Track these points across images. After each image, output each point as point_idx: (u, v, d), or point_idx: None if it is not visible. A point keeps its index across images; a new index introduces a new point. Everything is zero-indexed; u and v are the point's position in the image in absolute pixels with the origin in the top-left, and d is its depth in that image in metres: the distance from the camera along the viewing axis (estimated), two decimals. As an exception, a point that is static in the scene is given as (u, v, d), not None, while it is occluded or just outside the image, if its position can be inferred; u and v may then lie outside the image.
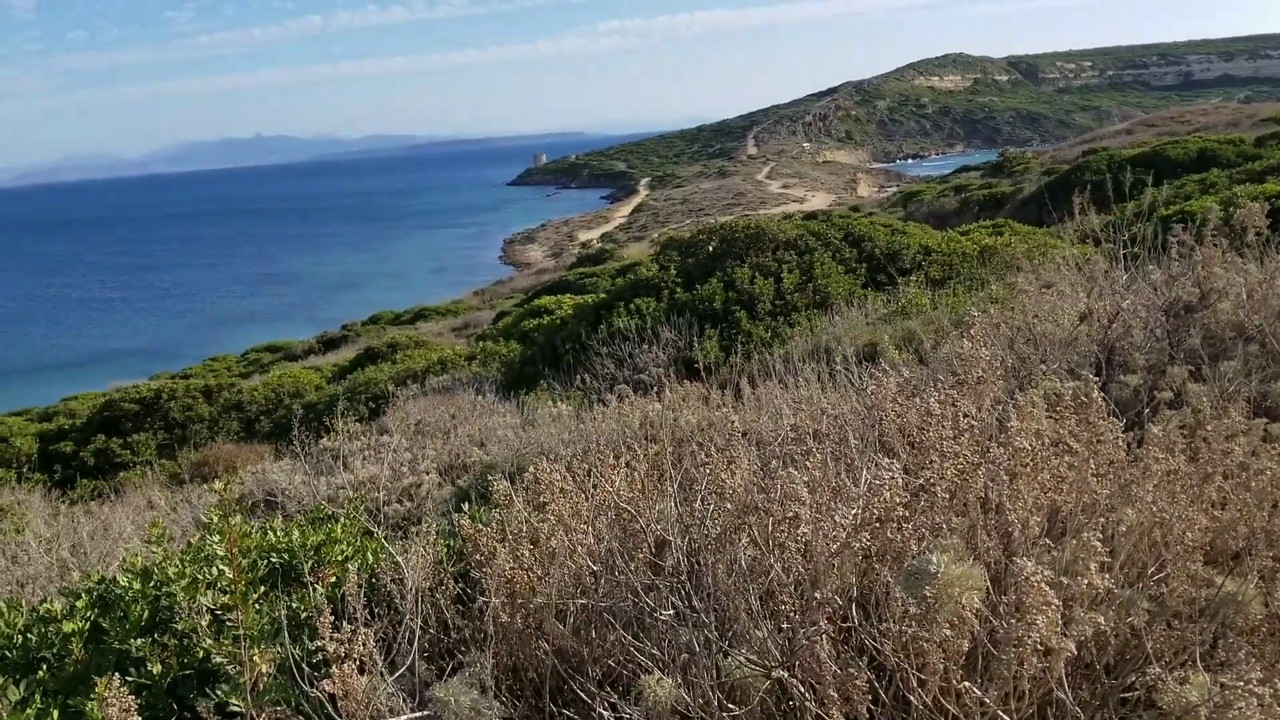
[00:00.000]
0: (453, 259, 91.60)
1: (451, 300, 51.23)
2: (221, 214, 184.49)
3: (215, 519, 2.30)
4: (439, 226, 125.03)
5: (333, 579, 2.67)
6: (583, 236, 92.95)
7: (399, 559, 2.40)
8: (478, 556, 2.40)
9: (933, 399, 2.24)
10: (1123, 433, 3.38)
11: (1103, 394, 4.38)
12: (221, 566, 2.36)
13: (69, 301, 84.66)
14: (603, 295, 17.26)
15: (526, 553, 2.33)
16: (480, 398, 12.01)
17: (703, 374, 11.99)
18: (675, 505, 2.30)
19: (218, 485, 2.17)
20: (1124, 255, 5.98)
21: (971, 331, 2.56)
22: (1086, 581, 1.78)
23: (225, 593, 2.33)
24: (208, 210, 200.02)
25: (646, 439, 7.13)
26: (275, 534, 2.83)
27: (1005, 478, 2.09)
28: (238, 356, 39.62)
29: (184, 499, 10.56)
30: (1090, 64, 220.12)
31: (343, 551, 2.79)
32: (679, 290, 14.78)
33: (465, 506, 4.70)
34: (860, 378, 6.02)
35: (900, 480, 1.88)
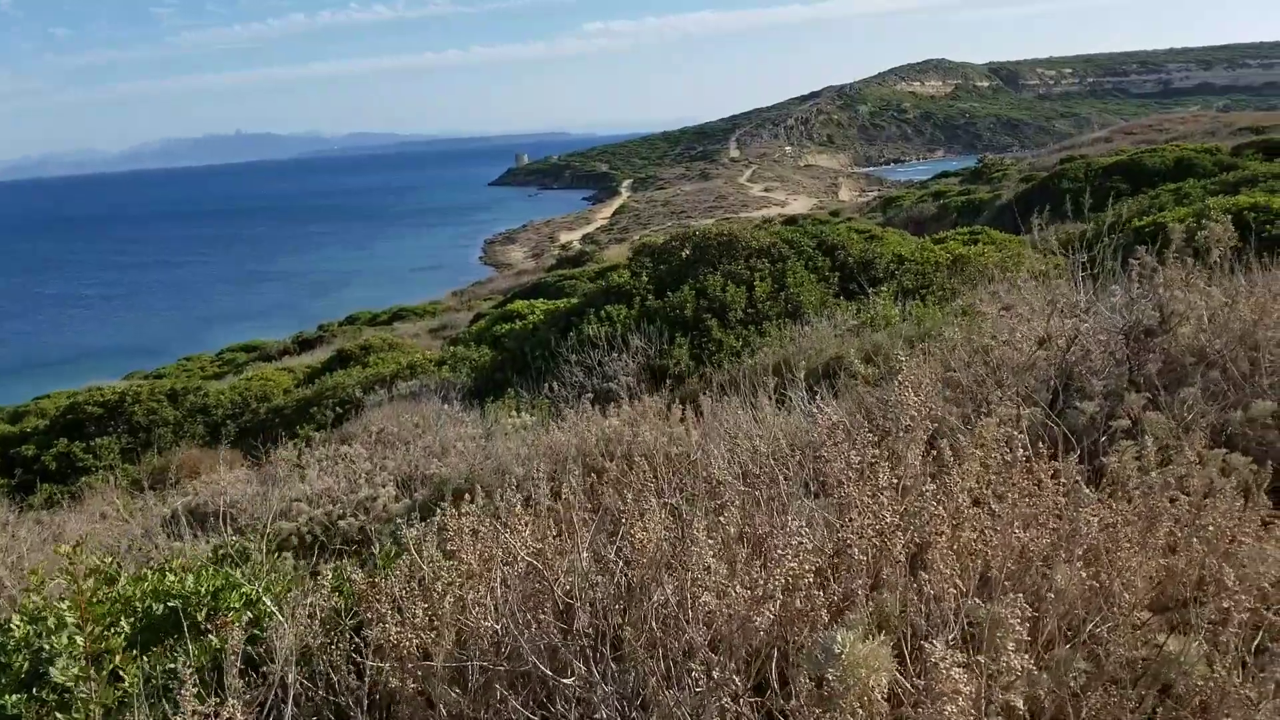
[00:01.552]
0: (433, 259, 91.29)
1: (430, 301, 50.99)
2: (203, 212, 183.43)
3: (71, 580, 2.14)
4: (420, 226, 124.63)
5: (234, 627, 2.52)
6: (564, 238, 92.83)
7: (280, 617, 2.25)
8: (368, 615, 2.25)
9: (852, 452, 2.11)
10: (1077, 463, 3.26)
11: (1058, 421, 4.26)
12: (74, 634, 2.20)
13: (46, 299, 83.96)
14: (574, 301, 17.11)
15: (420, 611, 2.19)
16: (446, 406, 11.82)
17: (671, 384, 11.86)
18: (581, 561, 2.16)
19: (63, 549, 2.01)
20: (1088, 274, 5.87)
21: (901, 377, 2.43)
22: (1004, 661, 1.65)
23: (78, 661, 2.17)
24: (189, 208, 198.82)
25: (604, 455, 7.00)
26: (171, 578, 2.67)
27: (932, 537, 1.96)
28: (212, 356, 39.32)
29: (140, 507, 10.35)
30: (1070, 71, 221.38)
31: (242, 597, 2.64)
32: (650, 297, 14.64)
33: (416, 524, 4.53)
34: (821, 396, 5.90)
35: (810, 545, 1.74)
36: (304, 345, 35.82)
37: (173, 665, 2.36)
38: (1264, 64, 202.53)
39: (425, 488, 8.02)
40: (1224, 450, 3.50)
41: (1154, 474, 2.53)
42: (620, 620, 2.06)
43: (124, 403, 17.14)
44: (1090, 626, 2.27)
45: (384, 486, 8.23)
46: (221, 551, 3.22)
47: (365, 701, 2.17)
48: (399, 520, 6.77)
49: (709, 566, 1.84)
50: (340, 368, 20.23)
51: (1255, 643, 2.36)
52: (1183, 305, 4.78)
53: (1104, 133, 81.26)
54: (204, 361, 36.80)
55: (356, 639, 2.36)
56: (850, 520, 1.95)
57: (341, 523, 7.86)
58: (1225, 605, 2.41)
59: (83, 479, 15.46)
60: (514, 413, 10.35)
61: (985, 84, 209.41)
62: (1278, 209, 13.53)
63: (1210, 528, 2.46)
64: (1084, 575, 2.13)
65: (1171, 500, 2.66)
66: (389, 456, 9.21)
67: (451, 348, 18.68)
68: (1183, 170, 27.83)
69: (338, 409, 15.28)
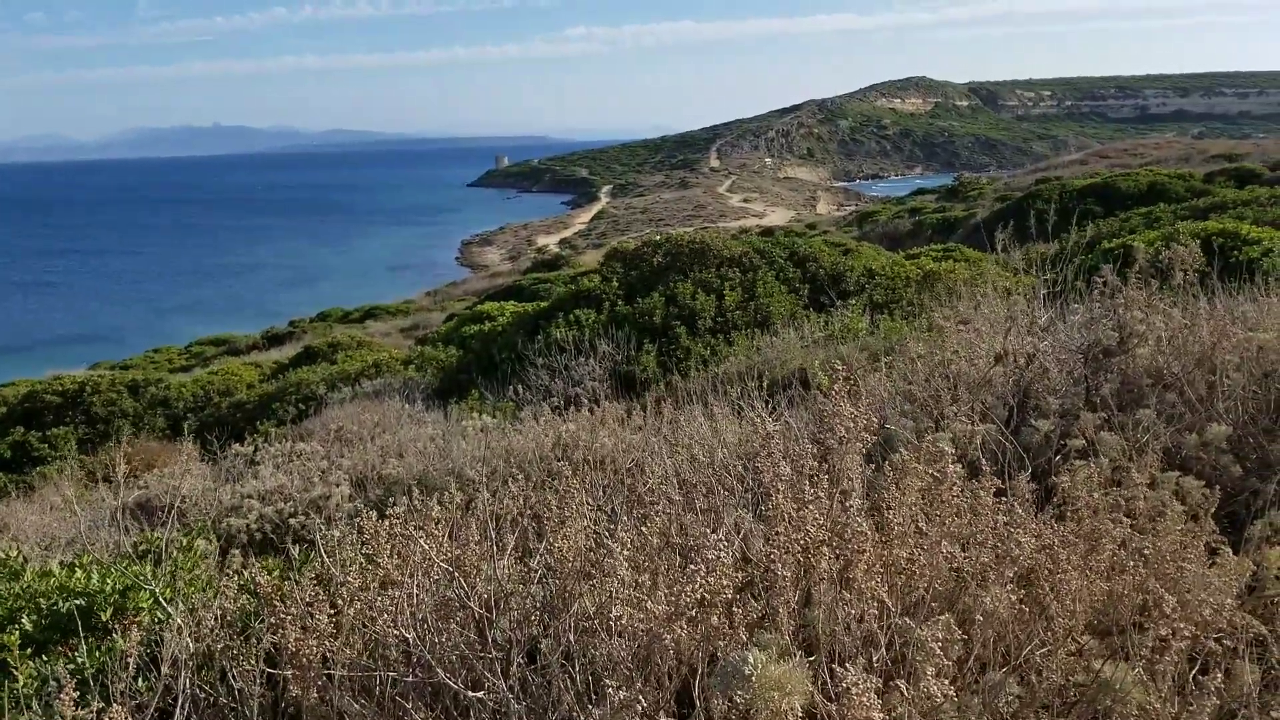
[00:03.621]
0: (409, 258, 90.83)
1: (403, 300, 50.70)
2: (176, 202, 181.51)
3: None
4: (397, 224, 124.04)
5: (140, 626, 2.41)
6: (541, 241, 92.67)
7: (176, 618, 2.15)
8: (273, 620, 2.15)
9: (784, 463, 2.04)
10: (1029, 482, 3.20)
11: (1012, 439, 4.21)
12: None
13: (9, 285, 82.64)
14: (543, 304, 17.01)
15: (325, 618, 2.09)
16: (408, 406, 11.69)
17: (637, 390, 11.78)
18: (499, 569, 2.07)
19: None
20: (1052, 293, 5.84)
21: (834, 389, 2.36)
22: (923, 687, 1.58)
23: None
24: (162, 197, 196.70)
25: (559, 460, 6.91)
26: (78, 575, 2.56)
27: (854, 555, 1.89)
28: (180, 349, 38.86)
29: (91, 499, 10.15)
30: (1049, 93, 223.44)
31: (151, 596, 2.53)
32: (620, 303, 14.56)
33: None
34: (777, 406, 5.84)
35: (730, 560, 1.66)
36: (273, 340, 35.49)
37: (72, 665, 2.26)
38: (1239, 93, 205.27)
39: (379, 487, 7.90)
40: (1177, 473, 3.46)
41: (1097, 495, 2.47)
42: (538, 631, 1.97)
43: (83, 393, 16.88)
44: (1025, 651, 2.20)
45: (338, 485, 8.09)
46: (143, 548, 3.11)
47: (271, 710, 2.07)
48: (346, 520, 6.65)
49: (624, 578, 1.76)
50: (307, 364, 20.03)
51: (1193, 671, 2.31)
52: (1143, 326, 4.74)
53: (1080, 155, 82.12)
54: (172, 354, 36.39)
55: (267, 644, 2.27)
56: (777, 534, 1.88)
57: (293, 521, 7.72)
58: (1164, 632, 2.36)
59: (38, 469, 15.20)
60: (476, 414, 10.23)
61: (965, 103, 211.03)
62: (1245, 235, 13.62)
63: (1152, 551, 2.40)
64: (1019, 597, 2.07)
65: (1117, 522, 2.61)
66: (346, 455, 9.07)
67: (419, 347, 18.54)
68: (1155, 195, 28.09)
69: (300, 405, 15.09)
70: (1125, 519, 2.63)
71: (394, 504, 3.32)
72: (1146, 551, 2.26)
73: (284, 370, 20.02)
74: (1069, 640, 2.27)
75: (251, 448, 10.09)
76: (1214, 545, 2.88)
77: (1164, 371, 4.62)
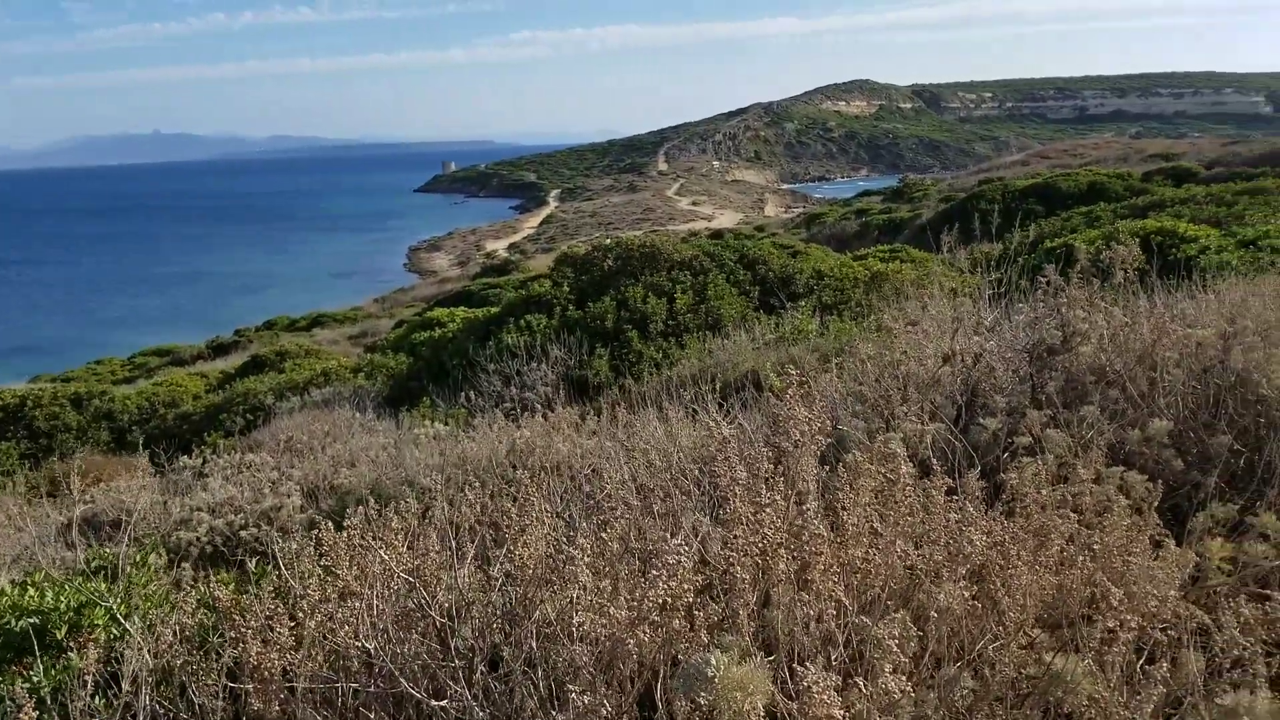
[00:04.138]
0: (356, 264, 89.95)
1: (351, 307, 50.15)
2: (116, 211, 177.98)
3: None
4: (344, 231, 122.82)
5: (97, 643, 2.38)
6: (490, 246, 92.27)
7: (134, 635, 2.13)
8: (232, 634, 2.14)
9: (739, 466, 2.07)
10: (979, 479, 3.26)
11: (961, 437, 4.29)
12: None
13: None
14: (494, 310, 16.95)
15: (286, 631, 2.08)
16: (359, 414, 11.60)
17: (590, 394, 11.78)
18: (460, 577, 2.07)
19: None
20: (997, 293, 5.95)
21: (790, 392, 2.39)
22: (881, 683, 1.61)
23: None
24: (102, 206, 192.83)
25: (515, 466, 6.90)
26: (30, 593, 2.53)
27: (812, 556, 1.92)
28: (123, 360, 38.10)
29: (35, 515, 9.94)
30: (991, 95, 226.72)
31: (107, 613, 2.50)
32: (571, 308, 14.56)
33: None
34: (732, 409, 5.88)
35: (689, 564, 1.68)
36: (219, 350, 34.93)
37: (27, 684, 2.22)
38: (1175, 94, 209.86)
39: (331, 498, 7.84)
40: (1121, 468, 3.54)
41: (1046, 491, 2.52)
42: (500, 639, 1.98)
43: (24, 407, 16.54)
44: (979, 645, 2.25)
45: (289, 496, 8.01)
46: (94, 564, 3.06)
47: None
48: (301, 531, 6.59)
49: (586, 585, 1.77)
50: (254, 373, 19.79)
51: (1140, 661, 2.37)
52: (1085, 325, 4.85)
53: (1021, 156, 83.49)
54: (114, 365, 35.68)
55: (225, 658, 2.25)
56: (735, 538, 1.90)
57: (244, 533, 7.63)
58: (1112, 624, 2.42)
59: (-23, 485, 14.84)
60: (428, 422, 10.18)
61: (908, 105, 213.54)
62: (1183, 233, 13.94)
63: (1100, 545, 2.46)
64: (971, 593, 2.11)
65: (1065, 517, 2.67)
66: (296, 465, 8.99)
67: (369, 355, 18.38)
68: (1095, 194, 28.61)
69: (248, 416, 14.90)
70: (1072, 514, 2.69)
71: (349, 514, 3.30)
72: (1095, 546, 2.32)
73: (231, 380, 19.75)
74: (1020, 634, 2.32)
75: (200, 460, 9.95)
76: (1158, 538, 2.96)
77: (1107, 369, 4.72)
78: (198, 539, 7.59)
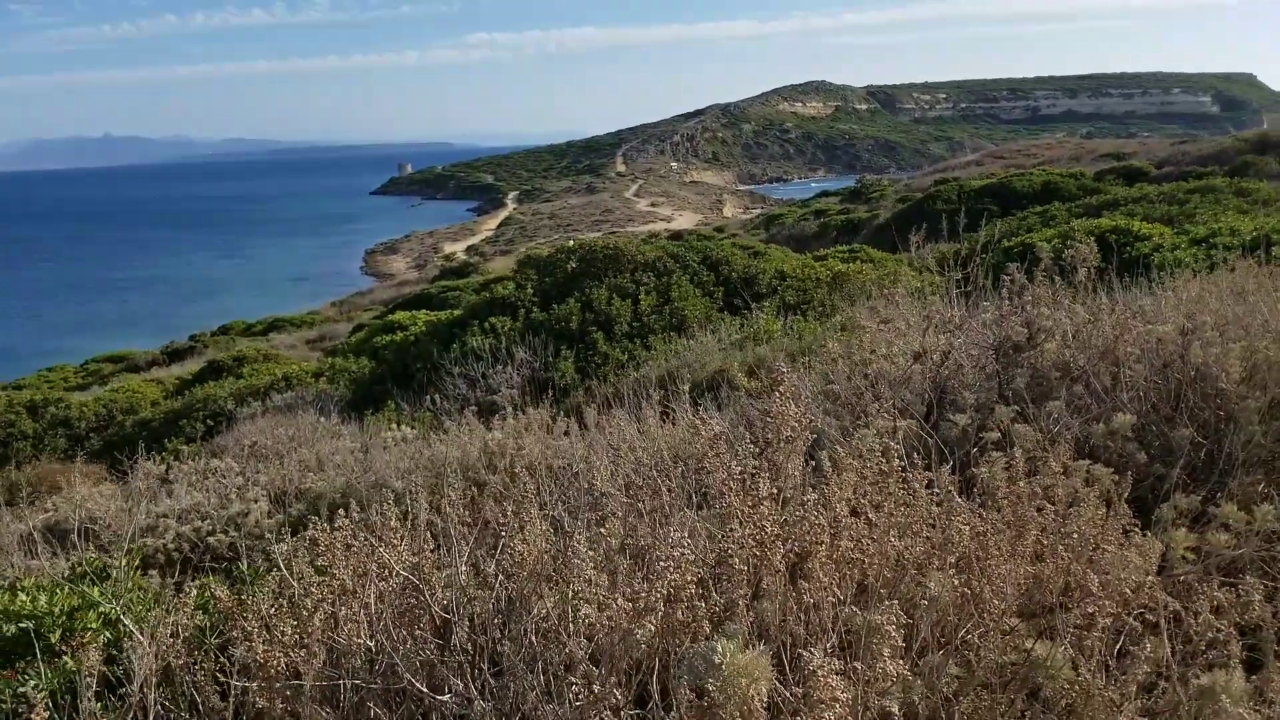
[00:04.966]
0: (313, 268, 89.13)
1: (308, 311, 49.65)
2: (66, 215, 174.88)
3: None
4: (299, 234, 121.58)
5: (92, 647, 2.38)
6: (449, 249, 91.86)
7: (140, 636, 2.14)
8: (234, 633, 2.16)
9: (733, 463, 2.12)
10: (950, 473, 3.34)
11: (931, 433, 4.37)
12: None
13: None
14: (457, 313, 16.91)
15: (289, 629, 2.11)
16: (323, 419, 11.54)
17: (556, 396, 11.80)
18: (459, 575, 2.11)
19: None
20: (961, 291, 6.05)
21: (781, 389, 2.46)
22: (880, 668, 1.67)
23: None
24: (51, 211, 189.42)
25: (486, 468, 6.92)
26: (23, 597, 2.52)
27: (812, 547, 1.98)
28: (76, 367, 37.47)
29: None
30: (945, 96, 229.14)
31: (100, 616, 2.50)
32: (535, 310, 14.57)
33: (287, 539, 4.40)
34: (705, 408, 5.94)
35: (691, 556, 1.73)
36: (174, 356, 34.47)
37: (23, 689, 2.22)
38: (1124, 94, 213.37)
39: (300, 502, 7.80)
40: (1088, 461, 3.64)
41: (1021, 484, 2.60)
42: (499, 635, 2.02)
43: (-23, 414, 16.27)
44: (963, 633, 2.31)
45: (256, 502, 7.97)
46: (79, 569, 3.06)
47: (231, 723, 2.08)
48: (269, 536, 6.56)
49: (590, 579, 1.82)
50: (212, 379, 19.59)
51: (1118, 646, 2.45)
52: (1049, 322, 4.97)
53: (976, 156, 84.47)
54: (67, 372, 35.08)
55: (223, 658, 2.27)
56: (731, 531, 1.96)
57: (211, 539, 7.59)
58: (1090, 610, 2.50)
59: (-69, 495, 14.58)
60: (394, 425, 10.16)
61: (864, 106, 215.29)
62: (1137, 231, 14.23)
63: (1075, 536, 2.54)
64: (956, 583, 2.18)
65: (1039, 510, 2.75)
66: (262, 471, 8.93)
67: (330, 359, 18.27)
68: (1049, 193, 29.03)
69: (208, 422, 14.76)
70: (1048, 505, 2.77)
71: (320, 519, 3.32)
72: (1072, 536, 2.40)
73: (189, 386, 19.54)
74: (1001, 622, 2.39)
75: (164, 466, 9.86)
76: (1127, 528, 3.05)
77: (1071, 365, 4.84)
78: (164, 546, 7.52)
